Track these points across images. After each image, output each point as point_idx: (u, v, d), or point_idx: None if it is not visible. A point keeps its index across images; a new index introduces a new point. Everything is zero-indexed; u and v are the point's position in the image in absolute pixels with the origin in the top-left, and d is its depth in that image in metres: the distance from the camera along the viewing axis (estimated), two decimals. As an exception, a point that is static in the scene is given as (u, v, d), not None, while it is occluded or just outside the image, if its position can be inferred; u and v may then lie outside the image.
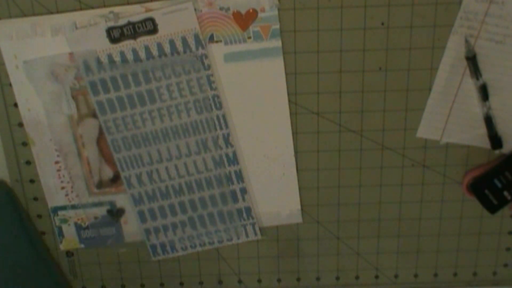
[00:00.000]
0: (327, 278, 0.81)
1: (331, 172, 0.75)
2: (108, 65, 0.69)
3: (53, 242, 0.78)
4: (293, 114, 0.72)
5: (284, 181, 0.75)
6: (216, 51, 0.69)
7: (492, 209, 0.73)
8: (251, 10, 0.67)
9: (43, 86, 0.70)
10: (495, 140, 0.72)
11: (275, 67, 0.70)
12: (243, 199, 0.75)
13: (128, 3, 0.67)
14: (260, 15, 0.68)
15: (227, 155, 0.73)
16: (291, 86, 0.71)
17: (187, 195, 0.75)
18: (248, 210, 0.76)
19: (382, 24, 0.69)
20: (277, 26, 0.68)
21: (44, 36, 0.68)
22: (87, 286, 0.81)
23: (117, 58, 0.69)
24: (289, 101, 0.71)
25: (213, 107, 0.71)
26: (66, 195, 0.74)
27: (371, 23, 0.68)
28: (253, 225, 0.76)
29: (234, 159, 0.73)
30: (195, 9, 0.67)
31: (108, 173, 0.74)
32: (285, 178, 0.75)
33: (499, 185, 0.72)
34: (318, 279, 0.81)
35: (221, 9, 0.67)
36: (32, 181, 0.75)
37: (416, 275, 0.81)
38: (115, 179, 0.74)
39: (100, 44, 0.68)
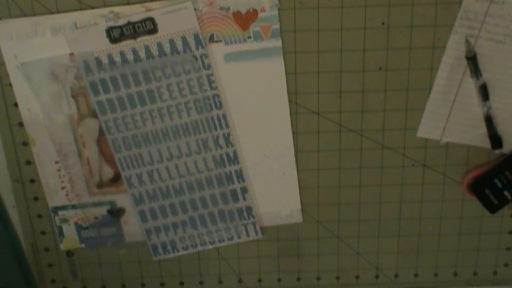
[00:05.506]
0: (327, 277, 0.81)
1: (331, 172, 0.75)
2: (108, 65, 0.69)
3: (53, 242, 0.78)
4: (293, 114, 0.72)
5: (284, 181, 0.75)
6: (216, 51, 0.69)
7: (492, 208, 0.73)
8: (251, 10, 0.67)
9: (43, 87, 0.70)
10: (495, 140, 0.72)
11: (275, 67, 0.70)
12: (244, 199, 0.75)
13: (128, 3, 0.67)
14: (260, 15, 0.67)
15: (227, 154, 0.73)
16: (291, 86, 0.71)
17: (188, 195, 0.75)
18: (249, 209, 0.76)
19: (382, 24, 0.68)
20: (277, 26, 0.68)
21: (44, 36, 0.68)
22: (87, 286, 0.81)
23: (117, 58, 0.69)
24: (289, 101, 0.71)
25: (213, 106, 0.71)
26: (66, 195, 0.75)
27: (371, 23, 0.68)
28: (253, 224, 0.76)
29: (234, 159, 0.73)
30: (195, 9, 0.67)
31: (108, 173, 0.74)
32: (285, 178, 0.75)
33: (499, 184, 0.72)
34: (318, 278, 0.81)
35: (221, 9, 0.67)
36: (32, 181, 0.75)
37: (416, 275, 0.81)
38: (116, 179, 0.74)
39: (100, 44, 0.68)
